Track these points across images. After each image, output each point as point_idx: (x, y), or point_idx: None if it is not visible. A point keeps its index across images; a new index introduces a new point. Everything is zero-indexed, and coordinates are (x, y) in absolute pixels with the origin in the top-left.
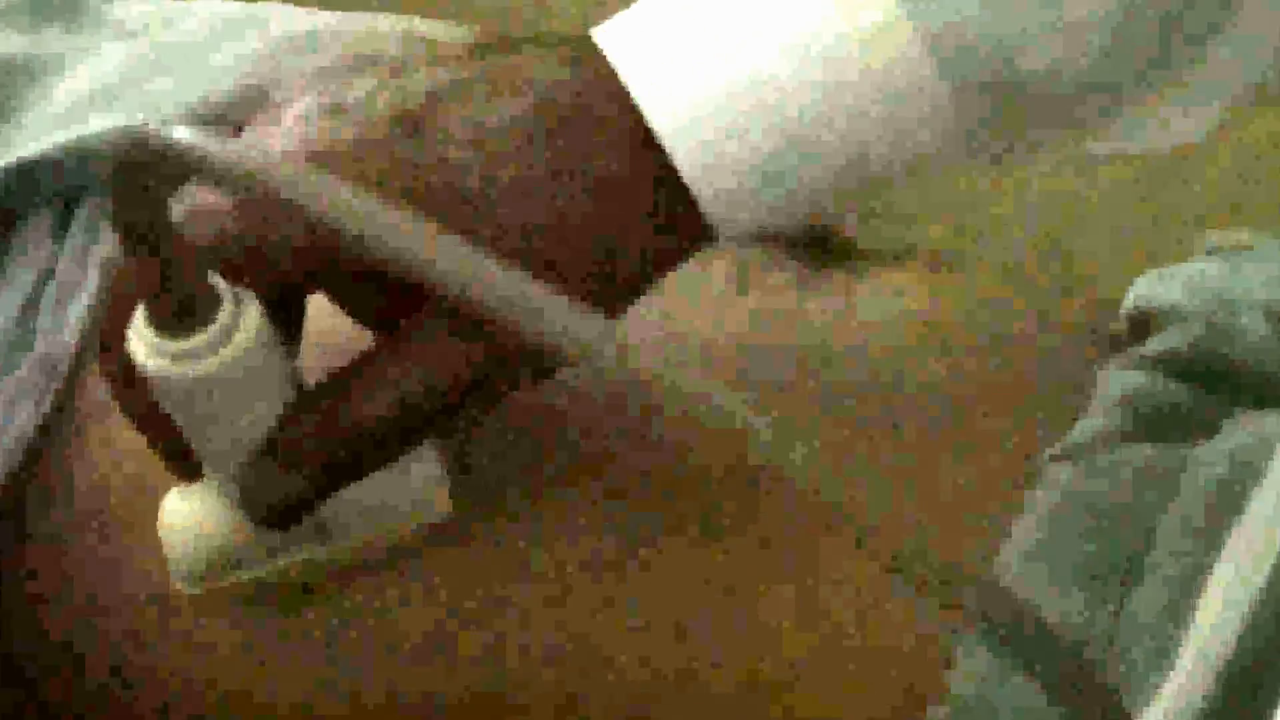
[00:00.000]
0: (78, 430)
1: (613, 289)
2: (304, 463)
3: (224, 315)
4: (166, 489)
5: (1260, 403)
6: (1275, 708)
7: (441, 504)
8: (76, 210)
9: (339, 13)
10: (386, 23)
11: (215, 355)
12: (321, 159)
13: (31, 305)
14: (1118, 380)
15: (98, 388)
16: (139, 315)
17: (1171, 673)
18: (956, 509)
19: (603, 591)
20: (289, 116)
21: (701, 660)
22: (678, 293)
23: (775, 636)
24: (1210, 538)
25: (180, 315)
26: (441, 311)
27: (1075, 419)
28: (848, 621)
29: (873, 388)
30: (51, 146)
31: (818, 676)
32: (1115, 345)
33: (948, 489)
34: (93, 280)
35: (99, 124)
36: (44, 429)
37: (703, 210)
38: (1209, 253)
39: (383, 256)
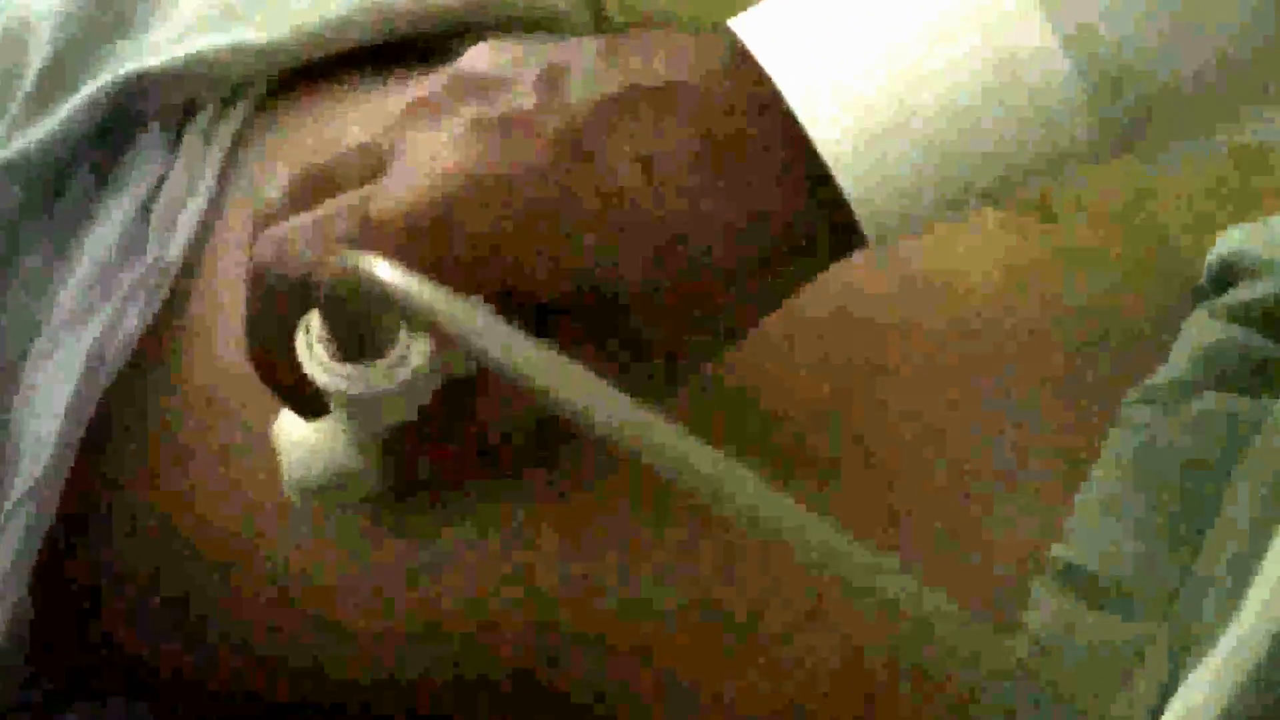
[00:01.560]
0: (186, 330)
1: (760, 308)
2: (433, 459)
3: (399, 348)
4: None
5: None
6: None
7: None
8: (191, 121)
9: None
10: None
11: (381, 382)
12: (492, 184)
13: (145, 210)
14: (1199, 330)
15: (206, 291)
16: (315, 323)
17: (1234, 624)
18: (1039, 448)
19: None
20: (452, 126)
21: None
22: None
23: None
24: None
25: (359, 347)
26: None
27: (1157, 366)
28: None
29: (959, 325)
30: (171, 58)
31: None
32: (1199, 295)
33: (1030, 429)
34: (204, 188)
35: (219, 39)
36: (152, 332)
37: (862, 231)
38: None
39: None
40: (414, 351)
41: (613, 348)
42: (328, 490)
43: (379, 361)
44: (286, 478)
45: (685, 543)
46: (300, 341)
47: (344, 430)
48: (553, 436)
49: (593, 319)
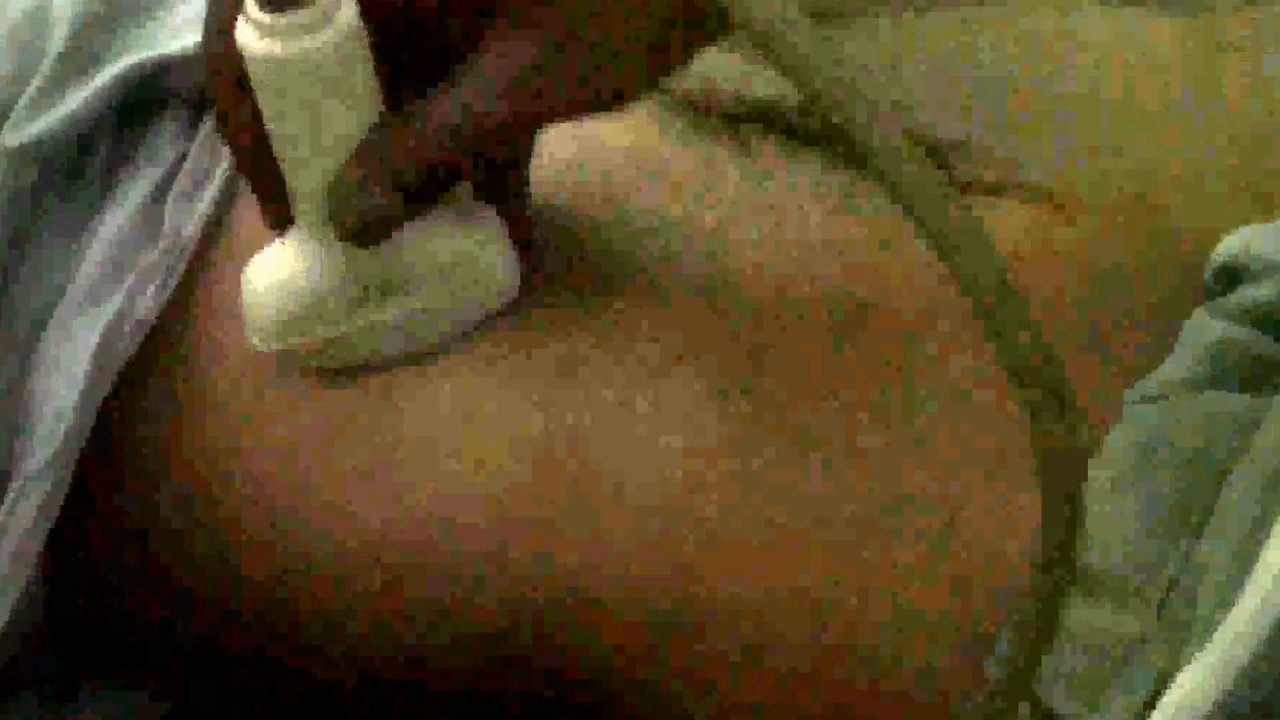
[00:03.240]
0: (201, 310)
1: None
2: (381, 171)
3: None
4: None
5: None
6: None
7: (507, 279)
8: (208, 107)
9: None
10: None
11: (318, 33)
12: None
13: (161, 194)
14: (1203, 328)
15: (222, 272)
16: (248, 3)
17: (1232, 614)
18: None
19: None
20: None
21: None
22: (780, 215)
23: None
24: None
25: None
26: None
27: (1160, 364)
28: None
29: (963, 318)
30: (190, 44)
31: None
32: (1205, 294)
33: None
34: (220, 171)
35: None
36: (167, 312)
37: None
38: None
39: None
40: (341, 8)
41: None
42: (295, 326)
43: (308, 8)
44: (253, 324)
45: None
46: (240, 22)
47: (306, 256)
48: (499, 177)
49: None
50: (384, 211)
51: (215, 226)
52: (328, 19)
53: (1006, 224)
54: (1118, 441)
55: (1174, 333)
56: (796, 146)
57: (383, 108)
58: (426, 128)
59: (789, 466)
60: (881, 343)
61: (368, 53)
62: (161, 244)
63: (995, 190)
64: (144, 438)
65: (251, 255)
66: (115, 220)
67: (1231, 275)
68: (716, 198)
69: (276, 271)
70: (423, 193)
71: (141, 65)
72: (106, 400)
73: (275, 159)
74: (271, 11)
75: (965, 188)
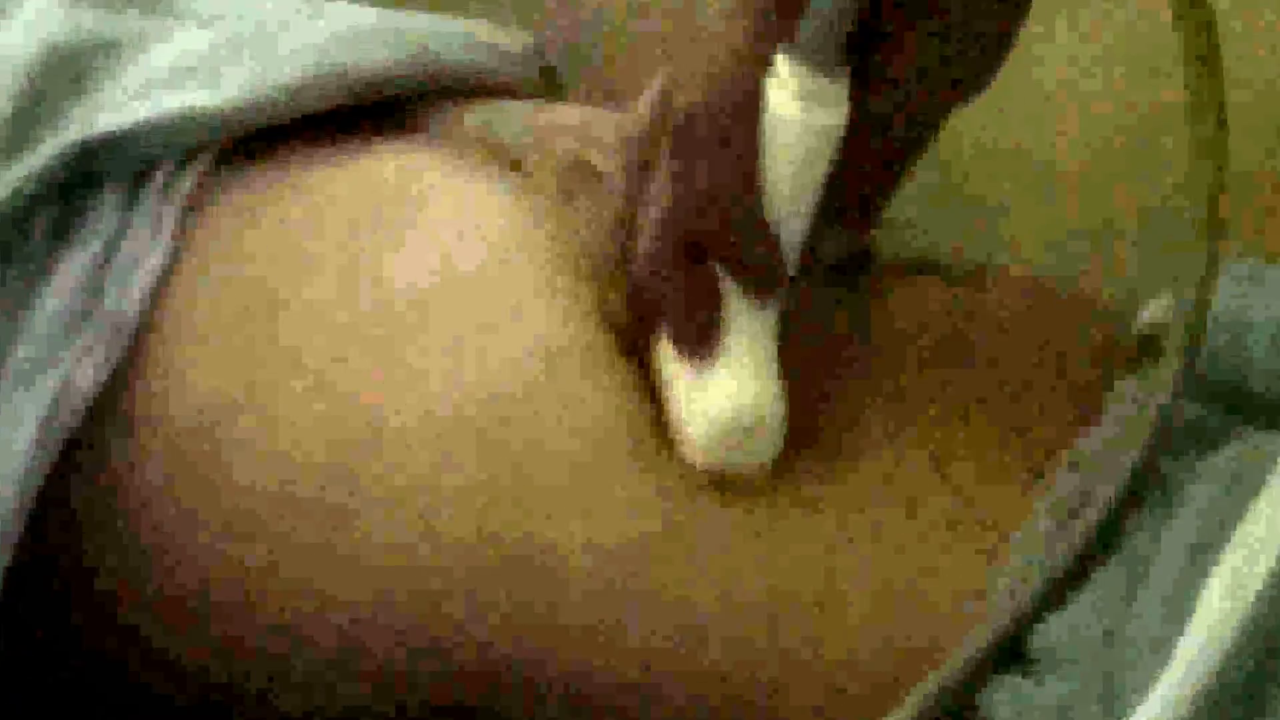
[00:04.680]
0: (143, 387)
1: None
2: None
3: (844, 76)
4: (229, 444)
5: (1266, 422)
6: (1264, 716)
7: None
8: (147, 182)
9: (399, 11)
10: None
11: (837, 107)
12: None
13: (100, 270)
14: (1128, 395)
15: (163, 348)
16: (781, 63)
17: (1163, 678)
18: (968, 516)
19: None
20: None
21: None
22: None
23: None
24: (1207, 549)
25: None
26: None
27: (1087, 431)
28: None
29: (889, 394)
30: (128, 120)
31: None
32: (1128, 361)
33: (960, 498)
34: (161, 246)
35: (175, 101)
36: (108, 390)
37: None
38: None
39: None
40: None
41: None
42: (740, 436)
43: (840, 81)
44: (707, 443)
45: None
46: (770, 88)
47: (746, 371)
48: None
49: None
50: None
51: (156, 301)
52: (843, 95)
53: (932, 299)
54: (1047, 509)
55: (1100, 402)
56: None
57: None
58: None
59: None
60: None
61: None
62: (102, 321)
63: (921, 267)
64: (85, 512)
65: (191, 332)
66: (56, 295)
67: (1154, 341)
68: None
69: (723, 388)
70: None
71: (81, 140)
72: (46, 476)
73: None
74: (815, 72)
75: (884, 267)
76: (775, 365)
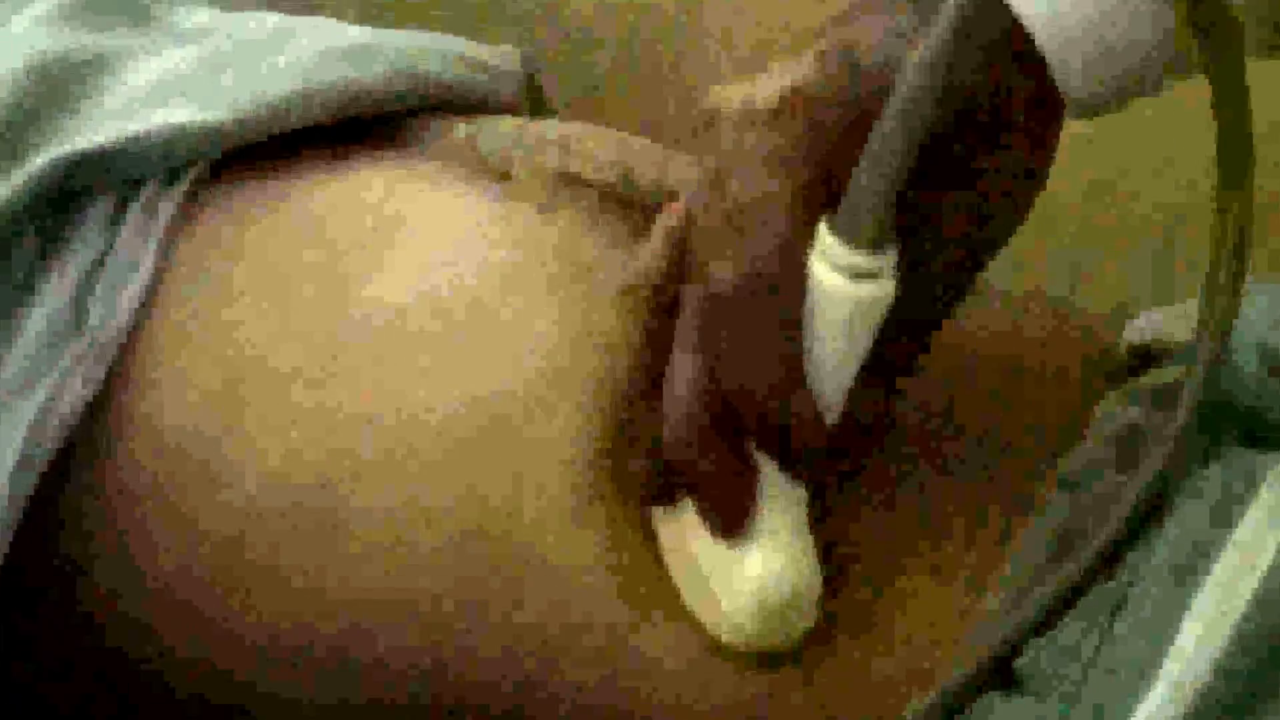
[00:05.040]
0: (128, 406)
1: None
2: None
3: (892, 250)
4: (214, 460)
5: (1251, 440)
6: None
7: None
8: (133, 199)
9: (383, 29)
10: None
11: (884, 280)
12: None
13: (86, 287)
14: (1114, 412)
15: (148, 367)
16: (825, 236)
17: (1147, 697)
18: (955, 535)
19: None
20: None
21: None
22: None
23: None
24: (1194, 567)
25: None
26: None
27: (1073, 448)
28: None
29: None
30: (114, 137)
31: None
32: (1115, 378)
33: (947, 517)
34: (146, 264)
35: (161, 118)
36: (93, 407)
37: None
38: None
39: None
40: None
41: None
42: (780, 611)
43: (885, 256)
44: (745, 620)
45: None
46: (813, 257)
47: (786, 545)
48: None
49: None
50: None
51: (140, 320)
52: (891, 269)
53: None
54: (1034, 528)
55: (1087, 418)
56: None
57: None
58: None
59: None
60: None
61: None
62: (86, 337)
63: None
64: (70, 528)
65: (176, 348)
66: (41, 314)
67: (1140, 358)
68: None
69: (766, 563)
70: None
71: (63, 161)
72: (31, 498)
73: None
74: (869, 253)
75: None
76: (808, 535)
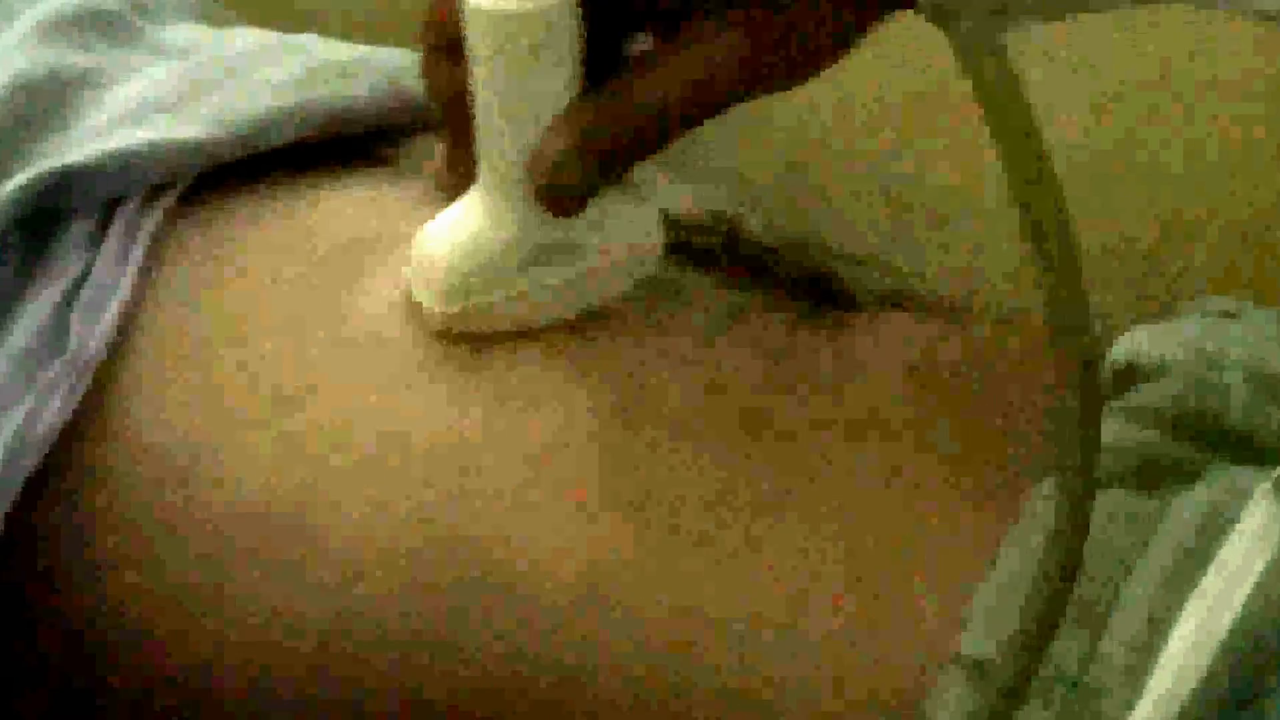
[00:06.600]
0: (107, 425)
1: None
2: (591, 145)
3: None
4: (194, 478)
5: (1238, 457)
6: None
7: (658, 242)
8: (115, 217)
9: (370, 47)
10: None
11: None
12: None
13: (66, 306)
14: (1102, 428)
15: (128, 386)
16: None
17: (1137, 708)
18: (942, 548)
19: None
20: None
21: None
22: (665, 329)
23: None
24: (1180, 584)
25: None
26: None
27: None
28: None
29: (857, 426)
30: (96, 154)
31: None
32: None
33: (933, 530)
34: (127, 283)
35: (143, 135)
36: (72, 425)
37: None
38: (1201, 314)
39: None
40: None
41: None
42: (475, 287)
43: None
44: (433, 288)
45: None
46: None
47: (484, 216)
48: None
49: None
50: (591, 182)
51: (121, 339)
52: None
53: (904, 334)
54: (1020, 541)
55: None
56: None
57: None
58: (639, 105)
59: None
60: (785, 441)
61: (579, 28)
62: (66, 357)
63: (894, 300)
64: (48, 548)
65: (156, 368)
66: (20, 332)
67: (1127, 375)
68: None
69: (458, 232)
70: (624, 165)
71: (45, 177)
72: (6, 515)
73: (471, 118)
74: None
75: (859, 301)
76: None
